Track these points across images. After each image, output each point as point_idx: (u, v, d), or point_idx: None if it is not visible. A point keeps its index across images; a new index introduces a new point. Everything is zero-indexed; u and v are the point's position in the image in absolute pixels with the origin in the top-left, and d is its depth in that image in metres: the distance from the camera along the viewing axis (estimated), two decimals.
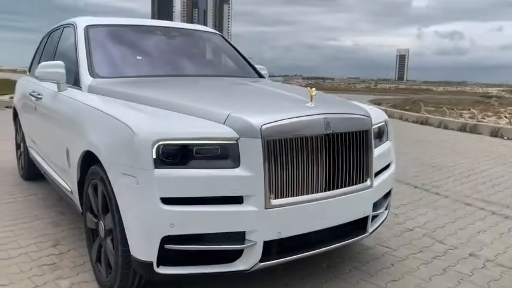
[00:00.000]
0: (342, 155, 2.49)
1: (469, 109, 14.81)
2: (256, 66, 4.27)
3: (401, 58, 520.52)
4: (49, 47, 4.46)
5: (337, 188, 2.49)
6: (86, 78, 3.21)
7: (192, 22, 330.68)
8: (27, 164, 4.88)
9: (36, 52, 5.10)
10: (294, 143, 2.31)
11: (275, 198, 2.27)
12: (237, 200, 2.23)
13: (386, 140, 3.13)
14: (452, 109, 13.91)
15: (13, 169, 5.55)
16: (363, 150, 2.60)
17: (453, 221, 4.07)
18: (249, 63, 4.19)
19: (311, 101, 2.49)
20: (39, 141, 4.08)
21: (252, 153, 2.22)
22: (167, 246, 2.20)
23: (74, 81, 3.34)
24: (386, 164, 3.03)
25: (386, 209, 3.14)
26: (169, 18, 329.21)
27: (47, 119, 3.66)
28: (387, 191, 3.02)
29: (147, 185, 2.15)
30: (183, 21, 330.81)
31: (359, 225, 2.71)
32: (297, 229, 2.37)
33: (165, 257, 2.22)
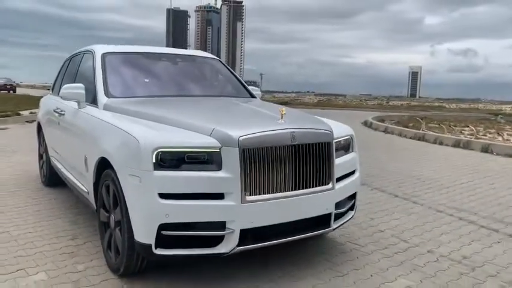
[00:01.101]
0: (306, 162, 3.07)
1: (468, 126, 15.22)
2: (250, 87, 4.91)
3: (414, 75, 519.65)
4: (71, 70, 5.15)
5: (303, 189, 3.07)
6: (102, 97, 3.85)
7: (206, 40, 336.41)
8: (49, 172, 5.53)
9: (59, 73, 5.79)
10: (265, 151, 2.90)
11: (250, 195, 2.86)
12: (220, 196, 2.83)
13: (352, 151, 3.70)
14: (450, 126, 14.37)
15: (35, 177, 6.22)
16: (325, 158, 3.18)
17: (421, 224, 4.59)
18: (243, 85, 4.82)
19: (281, 118, 3.09)
20: (61, 151, 4.73)
21: (231, 159, 2.82)
22: (164, 232, 2.79)
23: (92, 100, 3.98)
24: (350, 171, 3.59)
25: (352, 209, 3.69)
26: (184, 36, 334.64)
27: (69, 132, 4.31)
28: (351, 193, 3.58)
29: (148, 183, 2.76)
30: (196, 39, 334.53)
31: (323, 221, 3.27)
32: (267, 220, 2.95)
33: (162, 241, 2.80)
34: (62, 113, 4.57)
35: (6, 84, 46.44)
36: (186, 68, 4.75)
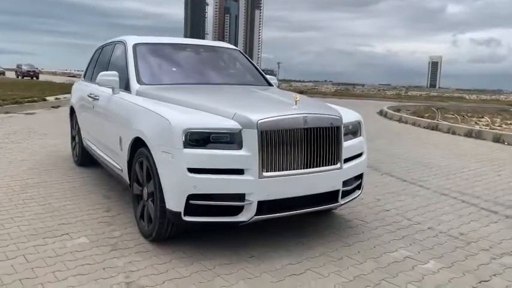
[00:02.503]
0: (317, 144, 3.46)
1: (482, 116, 15.33)
2: (267, 76, 5.30)
3: (434, 65, 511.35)
4: (102, 58, 5.60)
5: (313, 167, 3.46)
6: (134, 84, 4.28)
7: (223, 27, 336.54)
8: (81, 152, 6.02)
9: (90, 61, 6.25)
10: (280, 133, 3.30)
11: (266, 172, 3.26)
12: (240, 171, 3.24)
13: (360, 135, 4.07)
14: (464, 116, 14.52)
15: (67, 157, 6.74)
16: (334, 141, 3.56)
17: (425, 205, 4.95)
18: (261, 73, 5.21)
19: (295, 104, 3.48)
20: (95, 133, 5.20)
21: (251, 139, 3.22)
22: (191, 201, 3.22)
23: (125, 86, 4.41)
24: (358, 153, 3.95)
25: (358, 188, 4.07)
26: (202, 24, 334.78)
27: (103, 115, 4.76)
28: (358, 173, 3.95)
29: (179, 159, 3.18)
30: (214, 27, 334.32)
31: (332, 197, 3.67)
32: (281, 194, 3.35)
33: (190, 209, 3.24)
34: (96, 98, 5.02)
35: (29, 71, 47.81)
36: (209, 58, 5.16)
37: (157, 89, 4.16)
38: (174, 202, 3.25)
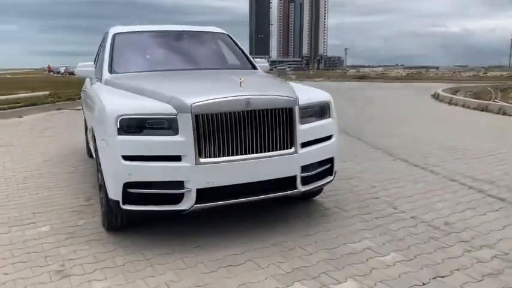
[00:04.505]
0: (264, 127, 3.23)
1: None
2: (257, 59, 5.09)
3: None
4: (99, 51, 5.69)
5: (260, 152, 3.24)
6: (105, 74, 4.29)
7: (288, 17, 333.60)
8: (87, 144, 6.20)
9: (96, 55, 6.40)
10: (218, 117, 3.11)
11: (203, 158, 3.11)
12: (177, 158, 3.11)
13: (329, 117, 3.76)
14: None
15: (82, 149, 6.98)
16: (285, 123, 3.31)
17: (423, 192, 4.51)
18: (247, 57, 5.00)
19: (240, 86, 3.27)
20: (88, 124, 5.31)
21: (186, 124, 3.08)
22: (130, 190, 3.14)
23: (100, 76, 4.44)
24: (323, 136, 3.65)
25: (330, 174, 3.77)
26: (266, 15, 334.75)
27: (86, 106, 4.84)
28: (323, 158, 3.66)
29: (113, 146, 3.12)
30: (279, 17, 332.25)
31: (289, 183, 3.42)
32: (223, 181, 3.18)
33: (128, 197, 3.16)
34: (85, 89, 5.11)
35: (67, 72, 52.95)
36: (191, 43, 5.04)
37: (123, 77, 4.12)
38: (113, 190, 3.20)
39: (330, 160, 3.76)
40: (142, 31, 4.94)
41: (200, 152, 3.10)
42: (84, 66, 4.49)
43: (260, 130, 3.23)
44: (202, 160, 3.10)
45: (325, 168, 3.72)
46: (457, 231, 3.50)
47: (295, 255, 3.12)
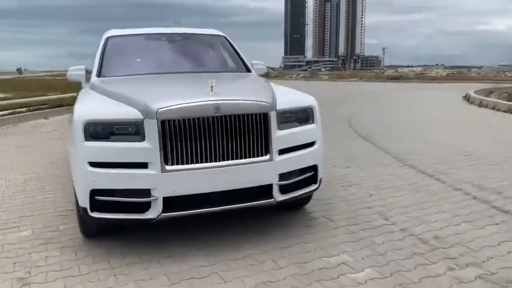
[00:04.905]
0: (235, 133, 3.09)
1: None
2: (254, 61, 4.95)
3: None
4: None
5: (232, 159, 3.11)
6: (93, 77, 4.27)
7: (324, 16, 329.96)
8: None
9: None
10: (186, 123, 3.00)
11: (170, 165, 3.00)
12: (144, 165, 3.02)
13: (312, 122, 3.57)
14: None
15: None
16: (259, 129, 3.16)
17: (421, 203, 4.24)
18: (241, 60, 4.87)
19: (211, 90, 3.14)
20: None
21: (152, 130, 2.98)
22: (97, 197, 3.08)
23: (90, 80, 4.42)
24: (305, 142, 3.47)
25: (314, 182, 3.59)
26: (302, 15, 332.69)
27: None
28: (305, 166, 3.48)
29: (80, 152, 3.06)
30: (315, 16, 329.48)
31: (263, 192, 3.27)
32: (191, 189, 3.07)
33: (96, 205, 3.10)
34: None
35: None
36: (182, 46, 4.95)
37: (109, 81, 4.08)
38: (81, 197, 3.14)
39: (313, 168, 3.57)
40: (135, 34, 4.90)
41: (166, 159, 3.00)
42: (74, 70, 4.50)
43: (231, 136, 3.10)
44: (168, 168, 3.00)
45: (308, 176, 3.54)
46: (445, 246, 3.24)
47: (264, 269, 2.97)
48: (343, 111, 12.38)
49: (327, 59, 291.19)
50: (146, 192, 3.04)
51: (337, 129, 9.14)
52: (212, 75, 4.16)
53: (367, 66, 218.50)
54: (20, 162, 6.45)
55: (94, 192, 3.07)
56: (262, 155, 3.20)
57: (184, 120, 3.00)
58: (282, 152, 3.30)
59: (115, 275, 2.93)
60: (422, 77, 42.86)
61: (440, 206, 4.12)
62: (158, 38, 4.93)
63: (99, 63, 4.39)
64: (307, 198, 3.95)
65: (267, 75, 5.34)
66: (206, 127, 3.04)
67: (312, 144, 3.55)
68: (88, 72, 4.50)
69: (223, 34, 5.19)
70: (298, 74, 61.32)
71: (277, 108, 3.29)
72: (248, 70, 4.76)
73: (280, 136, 3.28)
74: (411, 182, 4.96)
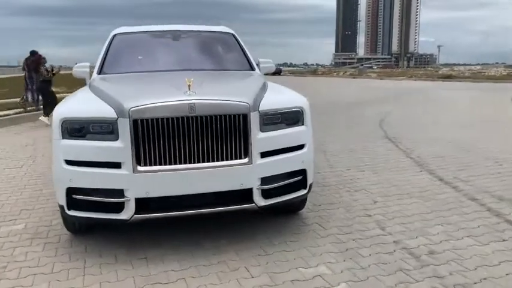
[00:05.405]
0: (211, 135, 2.98)
1: None
2: (262, 59, 4.79)
3: None
4: None
5: (207, 162, 2.99)
6: (94, 75, 4.28)
7: (377, 13, 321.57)
8: None
9: None
10: (159, 122, 2.92)
11: (142, 166, 2.93)
12: (117, 165, 2.97)
13: (302, 124, 3.38)
14: None
15: None
16: (238, 131, 3.02)
17: (428, 212, 3.94)
18: (247, 58, 4.72)
19: (189, 89, 3.03)
20: None
21: (125, 129, 2.92)
22: (74, 196, 3.07)
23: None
24: (292, 145, 3.29)
25: (304, 187, 3.40)
26: (354, 11, 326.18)
27: None
28: (291, 170, 3.30)
29: (57, 150, 3.06)
30: (367, 13, 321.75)
31: (243, 196, 3.13)
32: (163, 191, 2.98)
33: (73, 203, 3.09)
34: None
35: None
36: (186, 44, 4.87)
37: (105, 78, 4.07)
38: (58, 195, 3.14)
39: (302, 172, 3.39)
40: (141, 32, 4.87)
41: (139, 160, 2.93)
42: (79, 67, 4.53)
43: (207, 138, 2.98)
44: (140, 168, 2.93)
45: (295, 180, 3.36)
46: (437, 263, 2.97)
47: (234, 276, 2.84)
48: (379, 111, 11.92)
49: (379, 56, 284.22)
50: (120, 193, 2.99)
51: (364, 129, 8.80)
52: (206, 74, 4.08)
53: (421, 64, 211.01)
54: (43, 157, 6.64)
55: (70, 191, 3.06)
56: (240, 158, 3.06)
57: (157, 119, 2.92)
58: (264, 155, 3.15)
59: (84, 275, 2.90)
60: (476, 76, 40.60)
61: (447, 218, 3.81)
62: (163, 36, 4.88)
63: (101, 61, 4.40)
64: (301, 203, 3.78)
65: (278, 73, 5.17)
66: (180, 127, 2.94)
67: (300, 147, 3.37)
68: (92, 69, 4.52)
69: (231, 31, 5.06)
70: (345, 72, 60.09)
71: (260, 109, 3.14)
72: (252, 69, 4.62)
73: (263, 138, 3.13)
74: (424, 189, 4.63)
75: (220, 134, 3.00)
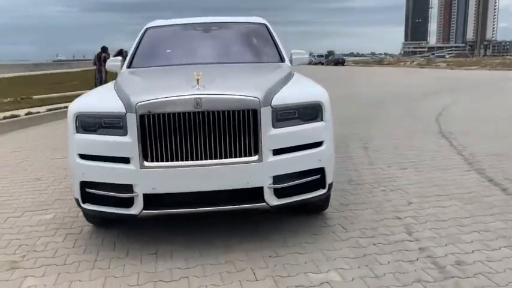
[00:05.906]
0: (220, 131, 2.87)
1: None
2: (295, 51, 4.61)
3: None
4: None
5: (217, 159, 2.90)
6: (123, 68, 4.32)
7: (450, 8, 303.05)
8: None
9: None
10: (166, 118, 2.86)
11: (148, 161, 2.89)
12: (126, 160, 2.96)
13: (321, 120, 3.18)
14: None
15: None
16: (247, 127, 2.90)
17: (466, 217, 3.59)
18: (278, 49, 4.55)
19: (197, 83, 2.94)
20: None
21: (133, 124, 2.90)
22: (87, 189, 3.11)
23: None
24: (308, 142, 3.10)
25: (323, 187, 3.21)
26: (426, 8, 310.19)
27: None
28: (307, 168, 3.11)
29: (71, 144, 3.11)
30: (440, 8, 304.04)
31: (253, 195, 3.00)
32: (170, 188, 2.93)
33: (87, 197, 3.13)
34: None
35: None
36: (216, 36, 4.77)
37: (132, 72, 4.10)
38: (74, 189, 3.20)
39: (319, 170, 3.19)
40: (173, 24, 4.86)
41: (146, 155, 2.90)
42: (112, 61, 4.61)
43: (214, 134, 2.89)
44: (147, 164, 2.90)
45: (312, 179, 3.17)
46: (463, 275, 2.67)
47: (238, 278, 2.74)
48: (439, 104, 11.20)
49: (452, 44, 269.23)
50: (129, 188, 2.98)
51: (417, 124, 8.30)
52: (225, 67, 3.98)
53: (500, 53, 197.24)
54: None
55: (84, 184, 3.10)
56: (249, 155, 2.94)
57: (163, 114, 2.87)
58: (277, 152, 3.00)
59: (92, 269, 2.93)
60: None
61: (487, 224, 3.44)
62: (194, 28, 4.83)
63: (132, 54, 4.45)
64: (324, 202, 3.58)
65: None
66: (187, 123, 2.87)
67: (318, 144, 3.17)
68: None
69: (264, 22, 4.91)
70: (413, 61, 57.42)
71: (273, 104, 2.98)
72: (282, 60, 4.44)
73: (275, 135, 2.98)
74: (468, 191, 4.24)
75: (228, 130, 2.89)
